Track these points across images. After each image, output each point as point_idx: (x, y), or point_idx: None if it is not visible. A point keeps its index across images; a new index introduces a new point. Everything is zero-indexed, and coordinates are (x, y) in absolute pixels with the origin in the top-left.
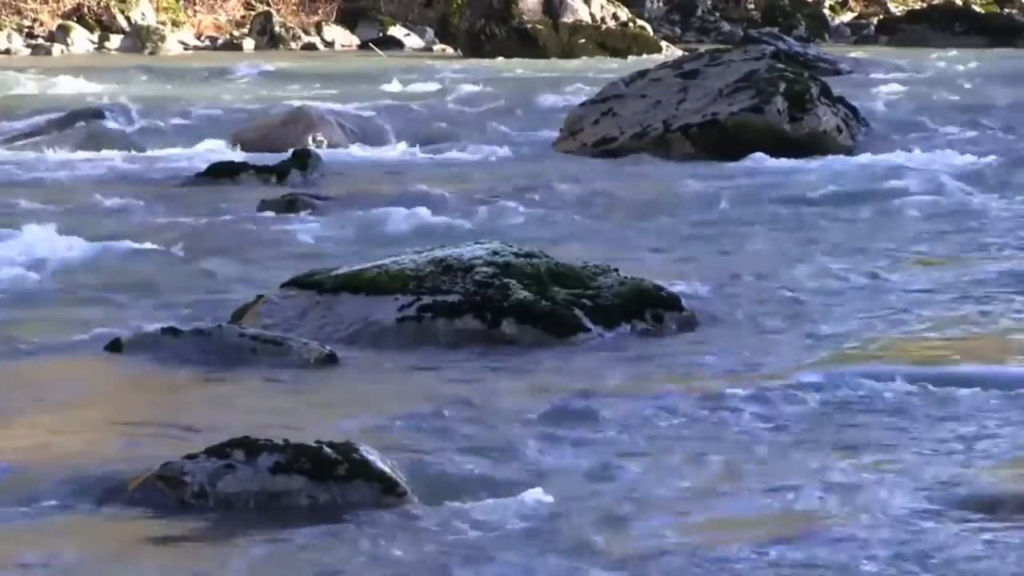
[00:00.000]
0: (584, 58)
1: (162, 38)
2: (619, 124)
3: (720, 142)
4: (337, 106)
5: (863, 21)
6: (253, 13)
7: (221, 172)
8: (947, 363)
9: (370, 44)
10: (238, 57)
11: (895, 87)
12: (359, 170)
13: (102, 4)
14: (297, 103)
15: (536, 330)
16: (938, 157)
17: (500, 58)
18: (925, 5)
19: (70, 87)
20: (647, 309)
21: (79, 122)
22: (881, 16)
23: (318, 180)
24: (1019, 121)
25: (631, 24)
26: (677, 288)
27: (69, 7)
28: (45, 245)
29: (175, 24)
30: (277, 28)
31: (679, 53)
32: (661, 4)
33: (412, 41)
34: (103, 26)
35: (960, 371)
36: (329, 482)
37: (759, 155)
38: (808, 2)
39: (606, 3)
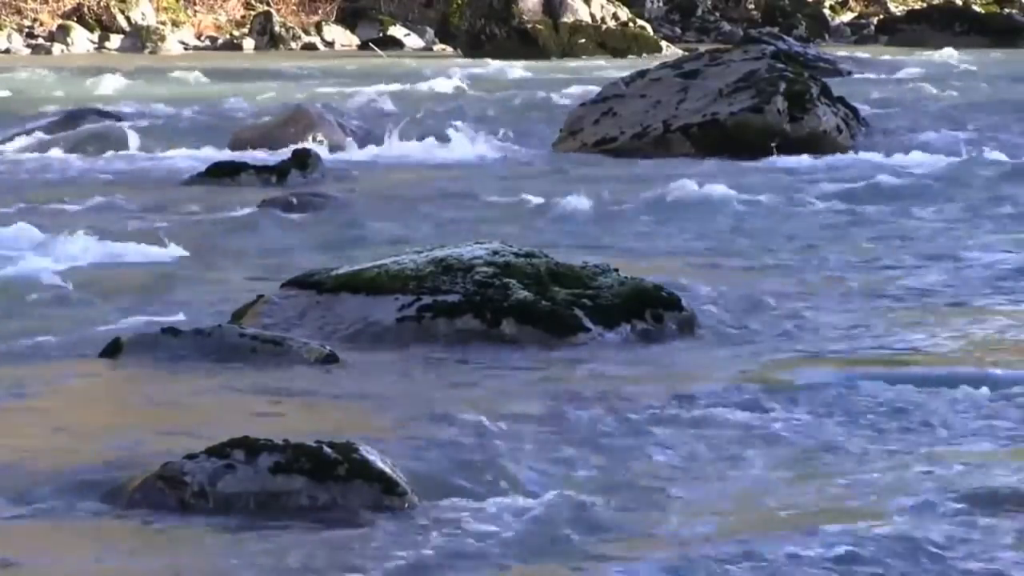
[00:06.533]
0: (584, 58)
1: (162, 38)
2: (619, 124)
3: (720, 142)
4: (337, 106)
5: (863, 21)
6: (253, 13)
7: (221, 172)
8: (952, 364)
9: (370, 44)
10: (238, 57)
11: (895, 87)
12: (359, 170)
13: (102, 4)
14: (297, 103)
15: (536, 330)
16: (938, 157)
17: (500, 58)
18: (925, 5)
19: (70, 87)
20: (647, 309)
21: (79, 122)
22: (881, 16)
23: (318, 180)
24: (1019, 120)
25: (631, 24)
26: (677, 288)
27: (69, 7)
28: (44, 245)
29: (175, 24)
30: (277, 28)
31: (679, 53)
32: (661, 4)
33: (412, 41)
34: (103, 26)
35: (965, 372)
36: (329, 482)
37: (759, 155)
38: (808, 2)
39: (606, 3)
